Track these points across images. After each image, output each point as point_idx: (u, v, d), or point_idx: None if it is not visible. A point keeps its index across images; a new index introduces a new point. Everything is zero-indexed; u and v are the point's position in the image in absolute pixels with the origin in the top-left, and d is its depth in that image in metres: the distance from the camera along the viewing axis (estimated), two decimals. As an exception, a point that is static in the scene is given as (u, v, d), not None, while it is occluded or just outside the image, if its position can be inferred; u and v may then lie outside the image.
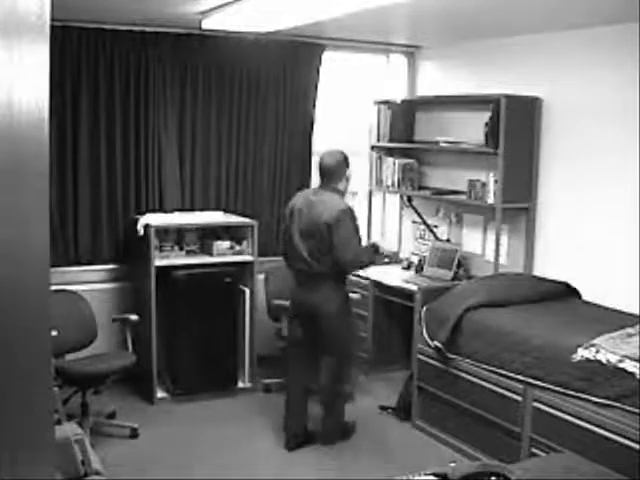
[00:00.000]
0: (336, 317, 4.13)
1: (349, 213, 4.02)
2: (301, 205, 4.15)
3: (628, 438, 3.23)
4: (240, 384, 5.18)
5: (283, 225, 4.40)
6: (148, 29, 5.10)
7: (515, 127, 4.81)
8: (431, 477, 2.62)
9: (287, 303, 4.93)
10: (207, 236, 5.16)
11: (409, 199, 5.97)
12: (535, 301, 4.35)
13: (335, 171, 4.12)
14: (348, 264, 4.07)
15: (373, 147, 5.94)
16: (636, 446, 3.19)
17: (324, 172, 4.13)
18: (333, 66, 5.87)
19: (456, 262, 5.33)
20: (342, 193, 4.16)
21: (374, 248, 4.28)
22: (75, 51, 4.90)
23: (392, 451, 4.32)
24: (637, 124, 4.21)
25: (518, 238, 5.10)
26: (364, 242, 4.38)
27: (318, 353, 4.29)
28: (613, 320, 3.97)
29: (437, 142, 5.44)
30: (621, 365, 3.35)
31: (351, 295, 4.45)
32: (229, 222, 5.25)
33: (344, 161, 4.17)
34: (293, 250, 4.16)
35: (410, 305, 4.85)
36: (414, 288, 4.87)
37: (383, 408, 4.87)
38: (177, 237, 5.11)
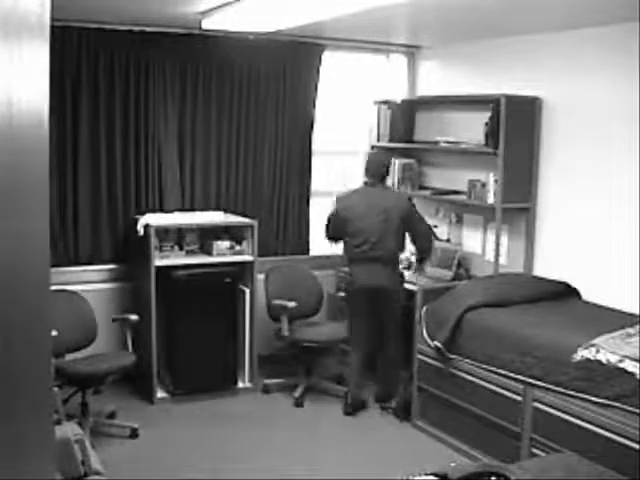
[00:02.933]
0: (395, 295, 4.78)
1: (414, 207, 4.84)
2: (359, 201, 4.74)
3: (628, 438, 3.23)
4: (240, 384, 5.18)
5: (335, 219, 4.86)
6: (148, 29, 5.09)
7: (515, 127, 4.81)
8: (431, 477, 2.62)
9: (289, 303, 4.95)
10: (207, 236, 5.16)
11: (409, 199, 5.96)
12: (535, 301, 4.35)
13: (382, 170, 4.80)
14: (427, 250, 4.91)
15: (373, 147, 5.94)
16: (636, 446, 3.19)
17: (373, 172, 4.78)
18: (333, 66, 5.87)
19: (456, 262, 5.33)
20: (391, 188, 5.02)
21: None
22: (75, 51, 4.90)
23: (392, 451, 4.32)
24: (637, 124, 4.21)
25: (518, 238, 5.10)
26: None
27: (379, 327, 4.84)
28: (613, 320, 3.97)
29: (437, 142, 5.44)
30: (621, 365, 3.35)
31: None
32: (229, 222, 5.25)
33: (387, 160, 4.93)
34: (354, 239, 4.71)
35: (410, 305, 4.85)
36: (414, 288, 4.87)
37: (383, 408, 4.87)
38: (177, 237, 5.11)
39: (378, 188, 4.75)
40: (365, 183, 4.81)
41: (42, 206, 1.22)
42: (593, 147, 4.57)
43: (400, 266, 4.99)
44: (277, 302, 5.01)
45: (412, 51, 6.06)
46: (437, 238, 5.09)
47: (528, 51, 4.96)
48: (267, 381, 5.21)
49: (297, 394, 5.01)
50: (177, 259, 4.99)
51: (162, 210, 5.28)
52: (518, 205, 4.97)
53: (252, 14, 4.21)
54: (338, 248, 5.08)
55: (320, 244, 5.87)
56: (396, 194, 4.86)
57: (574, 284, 4.59)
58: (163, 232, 4.99)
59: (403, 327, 4.86)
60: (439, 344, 4.30)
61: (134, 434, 4.41)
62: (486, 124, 4.87)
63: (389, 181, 5.22)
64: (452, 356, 4.26)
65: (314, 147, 5.81)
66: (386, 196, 4.74)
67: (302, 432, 4.55)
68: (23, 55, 1.14)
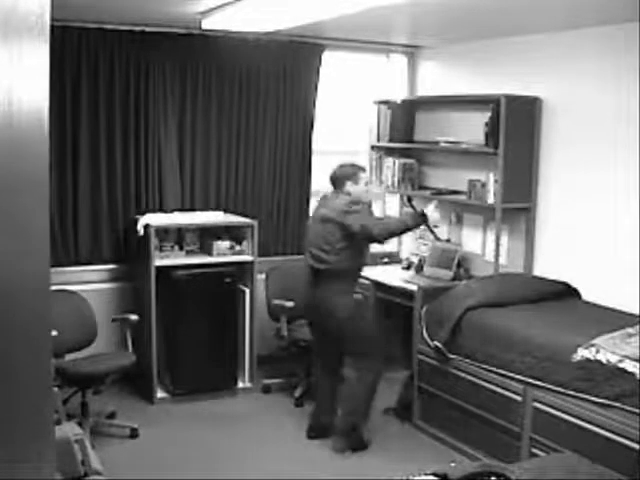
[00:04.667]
0: (343, 316, 4.18)
1: (351, 205, 4.11)
2: (316, 209, 4.42)
3: (628, 438, 3.23)
4: (240, 384, 5.18)
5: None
6: (148, 29, 5.09)
7: (515, 127, 4.81)
8: (431, 477, 2.62)
9: (287, 303, 4.94)
10: (207, 236, 5.16)
11: (409, 199, 5.96)
12: (535, 301, 4.35)
13: (338, 178, 4.28)
14: (377, 236, 4.12)
15: (373, 147, 5.94)
16: (636, 446, 3.19)
17: (331, 180, 4.33)
18: (333, 66, 5.87)
19: (456, 262, 5.33)
20: (350, 195, 4.21)
21: (420, 215, 4.23)
22: (75, 51, 4.90)
23: (392, 451, 4.32)
24: (637, 124, 4.21)
25: (518, 238, 5.10)
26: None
27: (333, 351, 4.38)
28: (613, 320, 3.97)
29: (437, 142, 5.44)
30: (621, 365, 3.35)
31: (357, 296, 4.45)
32: (229, 222, 5.25)
33: (348, 169, 4.31)
34: (308, 249, 4.34)
35: (410, 305, 4.85)
36: (414, 288, 4.87)
37: (386, 411, 4.83)
38: (177, 237, 5.11)
39: (333, 195, 4.25)
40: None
41: (42, 206, 1.22)
42: (593, 147, 4.57)
43: (353, 283, 4.30)
44: (277, 302, 5.01)
45: (412, 51, 6.06)
46: (383, 236, 4.17)
47: (528, 51, 4.96)
48: (267, 381, 5.21)
49: (297, 394, 5.01)
50: (177, 259, 4.99)
51: (162, 210, 5.27)
52: (518, 205, 4.97)
53: (252, 14, 4.21)
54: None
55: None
56: (340, 200, 4.15)
57: (574, 284, 4.59)
58: (163, 232, 4.99)
59: (404, 329, 4.81)
60: (439, 344, 4.30)
61: (134, 434, 4.41)
62: (486, 124, 4.87)
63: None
64: (452, 356, 4.26)
65: (314, 147, 5.80)
66: (333, 203, 4.18)
67: (302, 432, 4.54)
68: (23, 55, 1.14)
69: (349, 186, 4.23)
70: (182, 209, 5.35)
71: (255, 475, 4.00)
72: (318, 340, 4.46)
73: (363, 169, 4.38)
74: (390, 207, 6.32)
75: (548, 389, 3.66)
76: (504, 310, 4.20)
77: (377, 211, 6.23)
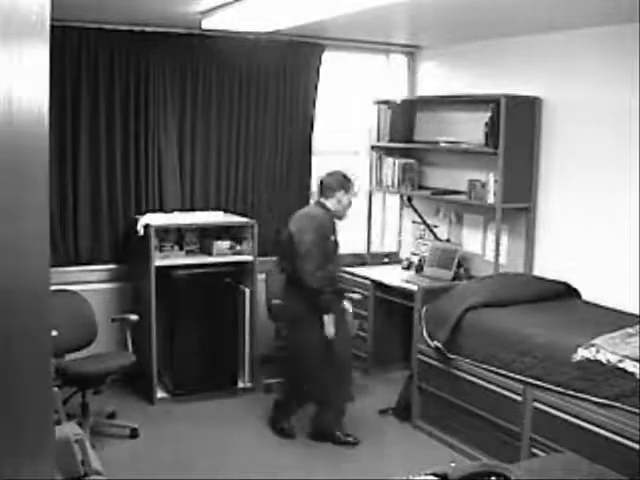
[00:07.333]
0: (295, 322, 4.40)
1: (315, 225, 4.15)
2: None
3: (628, 438, 3.23)
4: (240, 384, 5.18)
5: None
6: (148, 29, 5.10)
7: (515, 127, 4.81)
8: (431, 477, 2.62)
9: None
10: (207, 236, 5.16)
11: (409, 199, 5.97)
12: (535, 301, 4.35)
13: (325, 187, 4.30)
14: (307, 274, 4.10)
15: (373, 147, 5.94)
16: (636, 446, 3.19)
17: (318, 186, 4.39)
18: (333, 66, 5.87)
19: (456, 262, 5.33)
20: (328, 210, 4.25)
21: (339, 292, 4.36)
22: (75, 51, 4.90)
23: (392, 451, 4.32)
24: (637, 124, 4.22)
25: (518, 238, 5.10)
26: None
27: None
28: (613, 320, 3.97)
29: (437, 142, 5.44)
30: (621, 365, 3.35)
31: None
32: (229, 222, 5.25)
33: (338, 181, 4.28)
34: None
35: (410, 305, 4.85)
36: (414, 288, 4.87)
37: (382, 412, 4.83)
38: (177, 237, 5.11)
39: (312, 206, 4.45)
40: None
41: (42, 205, 1.22)
42: (593, 147, 4.57)
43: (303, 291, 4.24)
44: (277, 302, 5.00)
45: (412, 51, 6.06)
46: (320, 283, 4.11)
47: (528, 51, 4.96)
48: (267, 381, 5.21)
49: (297, 394, 5.00)
50: (177, 259, 4.99)
51: (162, 210, 5.27)
52: (518, 205, 4.97)
53: (252, 14, 4.21)
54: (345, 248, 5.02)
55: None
56: (310, 213, 4.28)
57: (574, 284, 4.59)
58: (163, 232, 4.99)
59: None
60: (439, 344, 4.29)
61: (134, 434, 4.41)
62: (486, 124, 4.87)
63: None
64: (452, 356, 4.26)
65: (314, 147, 5.80)
66: (302, 214, 4.33)
67: (302, 432, 4.54)
68: (23, 55, 1.14)
69: (330, 201, 4.24)
70: (182, 209, 5.35)
71: (255, 475, 3.99)
72: None
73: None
74: (390, 207, 6.33)
75: (548, 389, 3.66)
76: (504, 310, 4.20)
77: (377, 211, 6.24)
